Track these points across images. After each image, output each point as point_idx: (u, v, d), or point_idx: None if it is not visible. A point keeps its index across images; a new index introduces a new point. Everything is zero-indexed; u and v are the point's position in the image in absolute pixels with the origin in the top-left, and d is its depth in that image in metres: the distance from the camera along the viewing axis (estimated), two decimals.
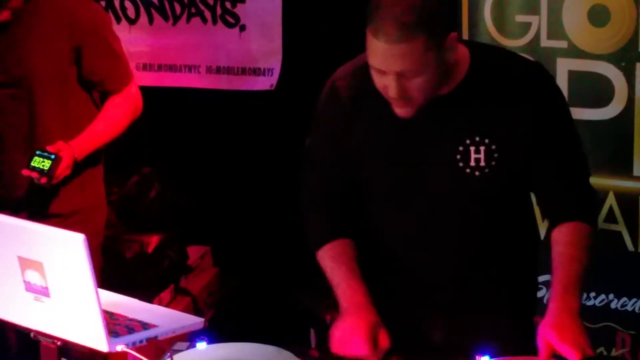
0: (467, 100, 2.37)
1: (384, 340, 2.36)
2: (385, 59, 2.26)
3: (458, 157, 2.40)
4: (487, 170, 2.40)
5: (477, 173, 2.40)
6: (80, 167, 3.33)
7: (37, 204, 3.32)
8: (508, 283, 2.54)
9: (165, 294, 4.25)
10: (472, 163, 2.40)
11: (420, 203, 2.47)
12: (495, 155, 2.39)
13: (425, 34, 2.23)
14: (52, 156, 3.14)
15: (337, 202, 2.55)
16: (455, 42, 2.31)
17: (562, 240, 2.41)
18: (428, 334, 2.56)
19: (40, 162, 3.13)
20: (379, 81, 2.32)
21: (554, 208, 2.45)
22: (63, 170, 3.19)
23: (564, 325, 2.27)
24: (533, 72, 2.43)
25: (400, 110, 2.35)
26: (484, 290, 2.52)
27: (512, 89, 2.38)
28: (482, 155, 2.39)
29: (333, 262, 2.51)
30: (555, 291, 2.34)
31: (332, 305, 2.57)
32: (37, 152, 3.14)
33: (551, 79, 2.49)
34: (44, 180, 3.14)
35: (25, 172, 3.15)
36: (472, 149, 2.39)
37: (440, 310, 2.54)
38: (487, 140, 2.39)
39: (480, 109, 2.38)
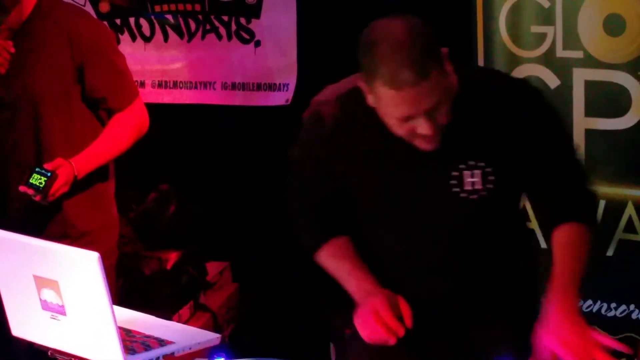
0: (459, 125, 2.35)
1: (405, 310, 2.35)
2: (413, 104, 2.21)
3: (453, 182, 2.40)
4: (483, 192, 2.40)
5: (473, 196, 2.40)
6: (88, 187, 3.33)
7: (44, 224, 3.32)
8: (506, 296, 2.53)
9: (185, 311, 4.26)
10: (468, 187, 2.40)
11: (415, 227, 2.47)
12: (491, 177, 2.40)
13: (436, 63, 2.21)
14: (48, 174, 3.14)
15: (324, 208, 2.56)
16: (446, 56, 2.28)
17: (561, 241, 2.42)
18: (424, 348, 2.54)
19: (37, 179, 3.13)
20: (404, 127, 2.27)
21: (552, 212, 2.46)
22: (59, 187, 3.18)
23: (563, 329, 2.26)
24: (518, 89, 2.43)
25: (428, 145, 2.32)
26: (480, 304, 2.52)
27: (501, 110, 2.38)
28: (477, 179, 2.39)
29: (334, 259, 2.53)
30: (554, 290, 2.34)
31: (352, 320, 2.57)
32: (36, 169, 3.15)
33: (537, 92, 2.48)
34: (38, 197, 3.14)
35: (21, 188, 3.15)
36: (467, 173, 2.39)
37: (436, 328, 2.53)
38: (481, 164, 2.39)
39: (472, 133, 2.38)
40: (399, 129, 2.29)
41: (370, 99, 2.29)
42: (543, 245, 3.55)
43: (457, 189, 2.40)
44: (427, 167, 2.39)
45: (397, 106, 2.23)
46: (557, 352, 2.24)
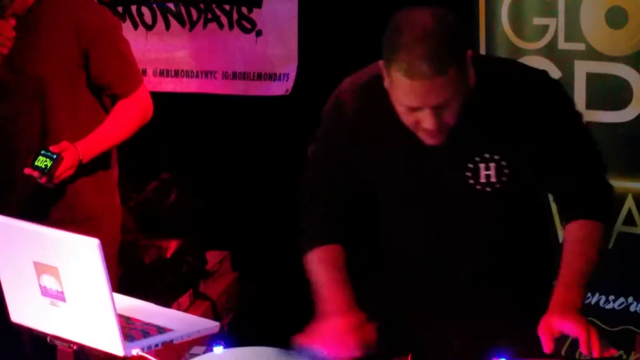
0: (475, 117, 2.34)
1: (370, 334, 2.36)
2: (422, 96, 2.22)
3: (468, 174, 2.40)
4: (498, 185, 2.40)
5: (488, 189, 2.40)
6: (91, 173, 3.34)
7: (49, 209, 3.33)
8: (522, 289, 2.53)
9: (184, 299, 4.26)
10: (483, 180, 2.40)
11: (432, 219, 2.47)
12: (506, 171, 2.39)
13: (456, 62, 2.21)
14: (54, 156, 3.16)
15: (334, 208, 2.54)
16: (470, 59, 2.28)
17: (571, 237, 2.42)
18: (439, 338, 2.55)
19: (43, 162, 3.15)
20: (410, 117, 2.28)
21: (567, 206, 2.46)
22: (65, 170, 3.19)
23: (564, 313, 2.28)
24: (537, 82, 2.41)
25: (432, 140, 2.33)
26: (498, 297, 2.51)
27: (518, 102, 2.37)
28: (492, 172, 2.39)
29: (319, 265, 2.52)
30: (558, 287, 2.36)
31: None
32: (42, 152, 3.16)
33: (556, 84, 2.47)
34: (43, 179, 3.16)
35: (27, 170, 3.17)
36: (482, 165, 2.39)
37: (452, 317, 2.53)
38: (496, 157, 2.39)
39: (488, 126, 2.37)
40: (405, 118, 2.30)
41: (386, 82, 2.29)
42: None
43: (472, 181, 2.40)
44: (444, 159, 2.39)
45: (407, 95, 2.23)
46: (557, 327, 2.26)
